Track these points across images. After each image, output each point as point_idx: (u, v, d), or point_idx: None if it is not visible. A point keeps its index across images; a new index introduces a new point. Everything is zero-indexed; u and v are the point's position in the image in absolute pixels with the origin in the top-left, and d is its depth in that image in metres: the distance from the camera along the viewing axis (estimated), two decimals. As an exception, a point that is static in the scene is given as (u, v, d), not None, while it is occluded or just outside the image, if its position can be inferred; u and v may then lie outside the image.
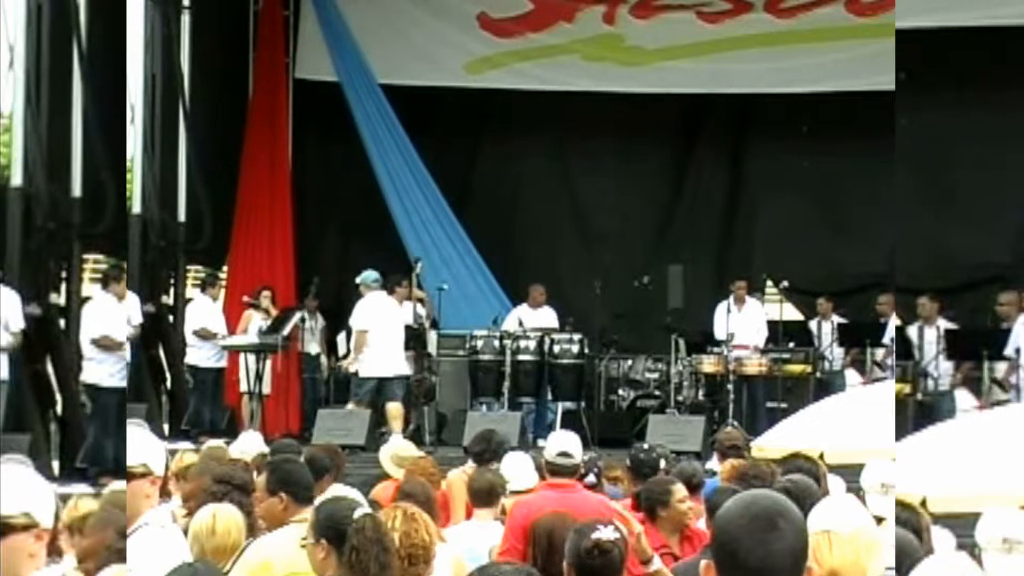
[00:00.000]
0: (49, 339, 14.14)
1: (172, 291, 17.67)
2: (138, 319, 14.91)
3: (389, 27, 19.44)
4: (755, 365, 16.08)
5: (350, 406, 15.47)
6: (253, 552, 5.73)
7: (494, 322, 17.14)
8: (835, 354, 17.02)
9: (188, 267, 18.16)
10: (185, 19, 18.18)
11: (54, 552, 4.82)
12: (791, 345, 16.67)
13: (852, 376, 16.58)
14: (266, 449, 9.62)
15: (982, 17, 17.31)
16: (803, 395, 15.44)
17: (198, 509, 6.33)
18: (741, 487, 7.05)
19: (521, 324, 16.81)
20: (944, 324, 15.67)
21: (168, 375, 16.98)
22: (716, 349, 16.27)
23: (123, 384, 13.86)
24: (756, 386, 16.27)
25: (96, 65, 14.71)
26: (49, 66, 14.47)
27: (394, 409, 15.18)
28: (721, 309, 16.51)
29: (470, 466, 9.23)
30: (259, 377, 16.30)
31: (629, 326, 18.37)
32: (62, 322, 14.44)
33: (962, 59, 17.53)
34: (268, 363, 16.45)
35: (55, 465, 13.50)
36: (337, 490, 7.00)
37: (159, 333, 16.83)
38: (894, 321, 16.27)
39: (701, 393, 16.65)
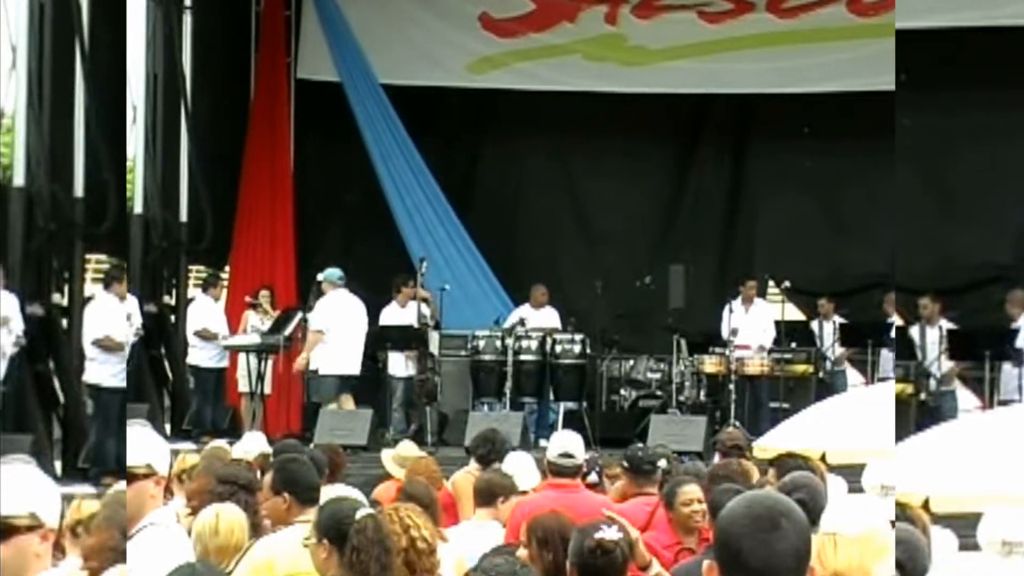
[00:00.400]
0: (51, 339, 14.15)
1: (174, 291, 17.68)
2: (138, 320, 14.92)
3: (391, 27, 19.44)
4: (757, 365, 16.07)
5: (333, 406, 15.47)
6: (257, 552, 5.73)
7: (496, 322, 17.14)
8: (836, 354, 17.01)
9: (190, 267, 18.17)
10: (187, 19, 18.20)
11: (57, 552, 4.82)
12: (793, 345, 16.66)
13: (853, 376, 16.58)
14: (269, 449, 9.62)
15: (982, 17, 17.32)
16: (805, 395, 15.43)
17: (202, 509, 6.34)
18: (712, 487, 7.07)
19: (523, 324, 16.80)
20: (946, 324, 15.67)
21: (170, 375, 16.98)
22: (718, 349, 16.26)
23: (124, 384, 13.85)
24: (758, 386, 16.27)
25: (98, 65, 14.72)
26: (51, 66, 14.48)
27: (348, 401, 15.31)
28: (731, 309, 16.45)
29: (474, 466, 9.23)
30: (260, 377, 16.31)
31: (631, 326, 18.36)
32: (64, 322, 14.45)
33: (962, 59, 17.54)
34: (269, 363, 16.46)
35: (57, 465, 13.50)
36: (338, 490, 7.00)
37: (161, 333, 16.83)
38: (894, 320, 16.27)
39: (703, 393, 16.63)
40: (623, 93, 19.04)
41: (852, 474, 7.64)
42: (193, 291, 17.86)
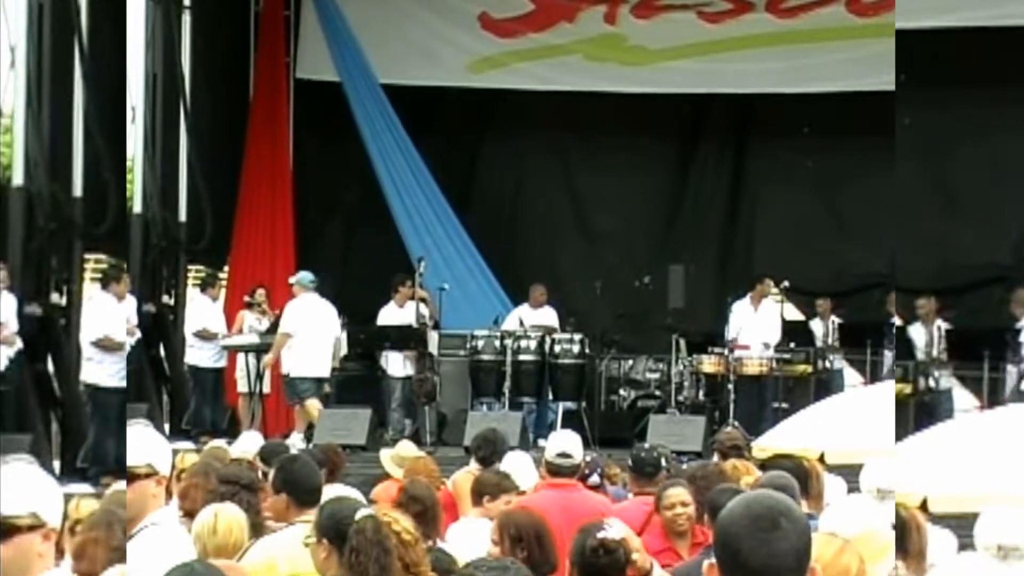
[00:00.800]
0: (50, 339, 14.15)
1: (173, 291, 17.67)
2: (134, 320, 14.93)
3: (390, 27, 19.45)
4: (756, 365, 16.06)
5: (313, 402, 15.48)
6: (257, 551, 5.73)
7: (495, 322, 17.13)
8: (832, 353, 17.02)
9: (189, 267, 18.16)
10: (186, 19, 18.19)
11: (57, 553, 4.82)
12: (792, 345, 16.65)
13: (851, 375, 16.58)
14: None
15: (982, 17, 17.32)
16: (804, 395, 15.42)
17: (192, 509, 6.33)
18: (691, 489, 7.07)
19: (522, 324, 16.80)
20: (943, 325, 15.67)
21: (169, 375, 16.98)
22: (717, 349, 16.25)
23: (123, 384, 13.85)
24: (757, 386, 16.25)
25: (97, 65, 14.71)
26: (50, 66, 14.47)
27: (312, 405, 15.26)
28: (739, 307, 16.43)
29: (475, 466, 9.23)
30: (259, 377, 16.31)
31: (630, 326, 18.36)
32: (63, 322, 14.44)
33: (962, 59, 17.53)
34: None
35: (56, 465, 13.49)
36: (336, 490, 7.00)
37: (160, 333, 16.83)
38: (894, 320, 16.27)
39: (702, 393, 16.63)
40: (623, 93, 19.05)
41: (851, 474, 7.64)
42: (192, 291, 17.85)
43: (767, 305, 16.73)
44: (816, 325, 17.41)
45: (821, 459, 7.71)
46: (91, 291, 14.83)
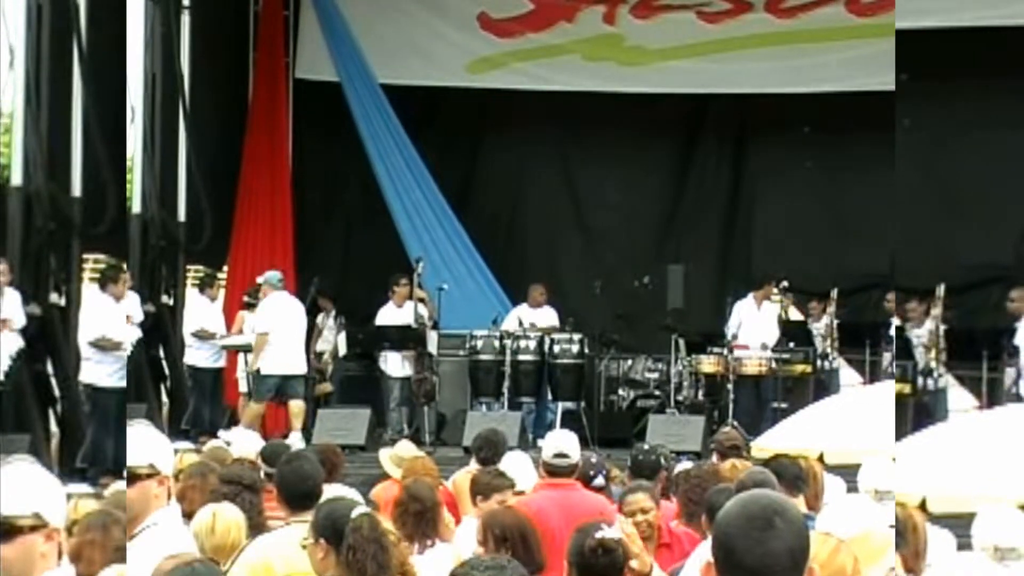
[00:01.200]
0: (49, 339, 14.15)
1: (172, 291, 17.67)
2: (139, 317, 14.93)
3: (389, 27, 19.45)
4: (755, 365, 16.06)
5: (253, 405, 15.49)
6: (253, 551, 5.73)
7: (494, 322, 17.13)
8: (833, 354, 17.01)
9: (188, 267, 18.16)
10: (185, 19, 18.18)
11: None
12: (791, 345, 16.65)
13: (847, 375, 16.57)
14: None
15: (982, 17, 17.32)
16: (803, 395, 15.43)
17: (190, 510, 6.33)
18: (680, 491, 7.05)
19: (521, 324, 16.80)
20: (931, 326, 15.66)
21: (168, 375, 16.98)
22: (717, 349, 16.24)
23: (122, 384, 13.84)
24: (756, 386, 16.25)
25: (96, 65, 14.71)
26: (49, 66, 14.47)
27: (296, 407, 15.33)
28: (741, 306, 16.41)
29: (475, 467, 9.22)
30: (259, 377, 16.29)
31: (629, 326, 18.35)
32: (62, 322, 14.43)
33: (962, 59, 17.53)
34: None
35: (55, 465, 13.49)
36: (335, 490, 6.99)
37: (159, 333, 16.83)
38: (893, 320, 16.27)
39: (701, 393, 16.63)
40: (622, 93, 19.05)
41: (850, 474, 7.64)
42: (191, 291, 17.85)
43: (768, 306, 16.74)
44: (815, 325, 17.39)
45: (820, 459, 7.72)
46: (90, 291, 14.83)
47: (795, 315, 17.50)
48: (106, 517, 5.27)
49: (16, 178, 13.99)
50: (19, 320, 13.18)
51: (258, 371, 15.44)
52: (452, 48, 19.49)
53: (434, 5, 19.60)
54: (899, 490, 5.82)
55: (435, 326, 16.84)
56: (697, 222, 19.80)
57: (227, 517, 6.08)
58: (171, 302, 17.49)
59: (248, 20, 19.50)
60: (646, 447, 8.45)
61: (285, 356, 15.36)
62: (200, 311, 16.87)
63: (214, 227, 18.02)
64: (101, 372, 13.82)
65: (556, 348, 16.49)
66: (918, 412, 14.57)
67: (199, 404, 16.45)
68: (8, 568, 3.58)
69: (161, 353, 16.93)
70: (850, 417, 8.50)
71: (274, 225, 19.01)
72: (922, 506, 5.69)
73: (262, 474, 7.77)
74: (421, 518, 6.94)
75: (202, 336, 16.58)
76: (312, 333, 17.94)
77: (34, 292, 14.00)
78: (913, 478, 5.81)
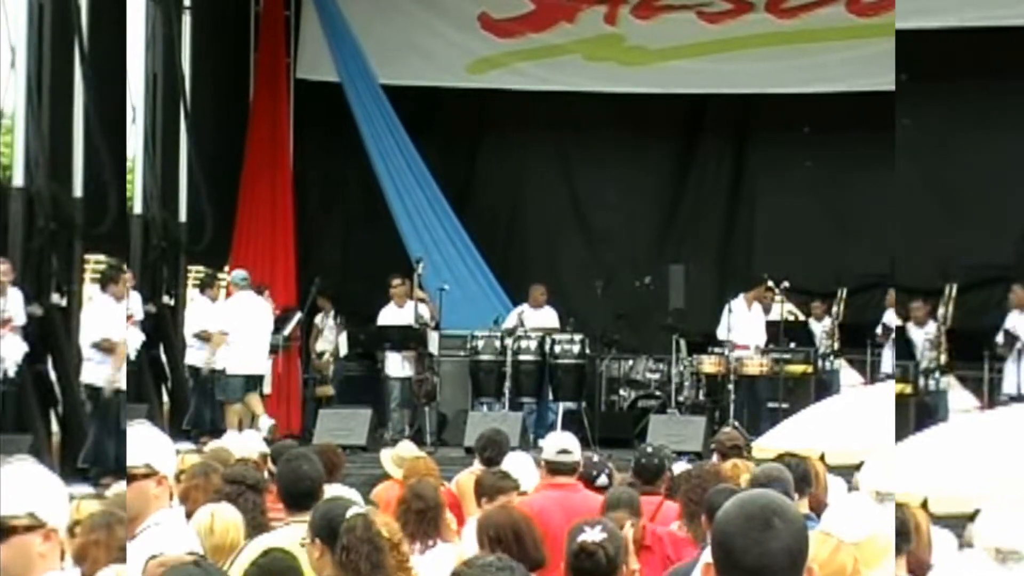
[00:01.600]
0: (50, 339, 14.15)
1: (173, 292, 17.67)
2: (139, 315, 14.93)
3: (390, 27, 19.44)
4: (756, 365, 16.08)
5: (229, 407, 15.50)
6: (252, 552, 5.73)
7: (495, 322, 17.14)
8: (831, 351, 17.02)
9: (189, 267, 18.16)
10: (186, 19, 18.18)
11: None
12: (792, 345, 16.66)
13: (848, 375, 16.57)
14: (267, 449, 9.62)
15: (982, 17, 17.32)
16: (804, 395, 15.43)
17: (193, 511, 6.33)
18: (682, 491, 7.04)
19: (522, 324, 16.80)
20: (932, 328, 15.67)
21: (169, 376, 16.98)
22: (717, 349, 16.26)
23: (123, 384, 13.85)
24: (757, 386, 16.27)
25: (97, 65, 14.71)
26: (51, 66, 14.47)
27: (252, 398, 15.35)
28: (732, 307, 16.41)
29: (478, 467, 9.22)
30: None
31: (630, 326, 18.36)
32: (63, 323, 14.44)
33: (962, 59, 17.53)
34: (269, 363, 16.46)
35: (56, 466, 13.49)
36: (335, 490, 7.00)
37: (160, 334, 16.83)
38: (894, 321, 16.26)
39: (702, 393, 16.65)
40: (622, 93, 19.05)
41: (851, 474, 7.64)
42: (192, 292, 17.85)
43: (759, 307, 16.77)
44: (815, 325, 17.40)
45: (821, 459, 7.72)
46: (91, 292, 14.83)
47: (795, 315, 17.50)
48: (110, 517, 5.27)
49: (17, 178, 14.00)
50: (20, 320, 13.19)
51: (223, 372, 15.44)
52: (452, 48, 19.49)
53: (434, 5, 19.60)
54: (900, 490, 5.82)
55: (436, 326, 16.84)
56: (697, 222, 19.81)
57: (226, 517, 6.08)
58: (172, 303, 17.49)
59: (249, 20, 19.50)
60: (649, 449, 8.38)
61: (249, 355, 15.39)
62: (201, 312, 16.87)
63: (215, 227, 18.01)
64: (102, 372, 13.82)
65: (557, 348, 16.50)
66: (919, 412, 14.58)
67: (200, 405, 16.45)
68: (5, 568, 3.56)
69: (162, 354, 16.92)
70: (851, 417, 8.50)
71: (275, 225, 19.01)
72: (923, 506, 5.70)
73: (265, 474, 7.76)
74: (423, 517, 6.94)
75: (203, 337, 16.57)
76: (311, 333, 17.96)
77: (35, 292, 14.00)
78: (914, 478, 5.81)
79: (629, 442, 15.17)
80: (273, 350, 16.37)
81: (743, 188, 19.84)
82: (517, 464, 8.67)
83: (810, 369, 16.40)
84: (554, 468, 7.67)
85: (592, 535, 5.02)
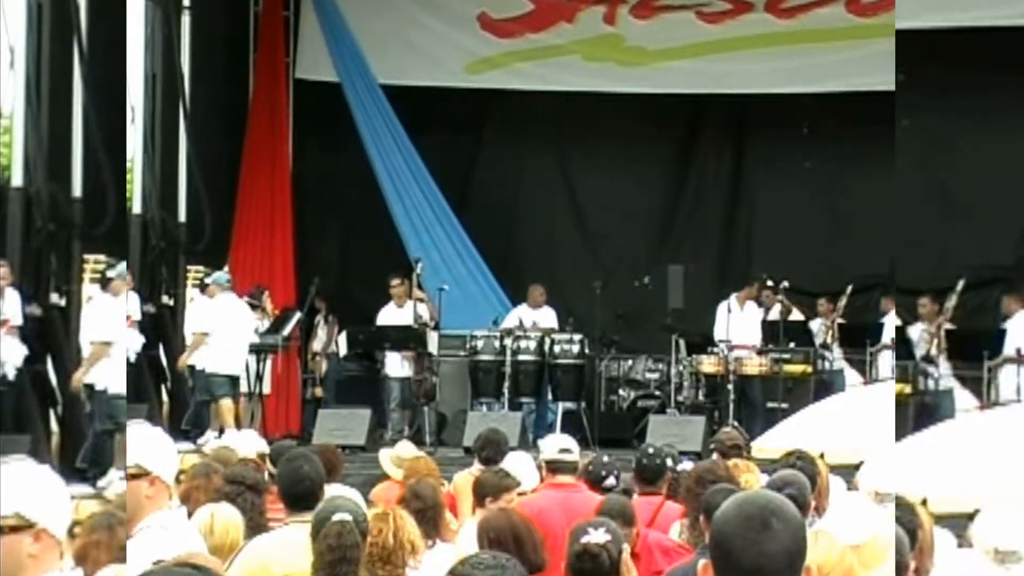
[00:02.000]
0: (50, 339, 14.14)
1: (173, 292, 17.66)
2: (137, 316, 14.91)
3: (389, 27, 19.45)
4: (755, 365, 16.08)
5: (221, 406, 15.47)
6: (250, 552, 5.73)
7: (494, 322, 17.14)
8: (835, 354, 17.00)
9: (188, 267, 18.15)
10: (185, 19, 18.16)
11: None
12: (791, 345, 16.65)
13: (851, 376, 16.57)
14: (266, 449, 9.62)
15: (982, 17, 17.32)
16: (804, 395, 15.42)
17: (195, 511, 6.33)
18: (683, 491, 7.03)
19: (521, 324, 16.80)
20: (946, 325, 15.66)
21: (168, 376, 16.97)
22: (716, 349, 16.26)
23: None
24: (757, 386, 16.27)
25: (96, 65, 14.70)
26: (49, 66, 14.46)
27: (225, 404, 15.31)
28: (725, 308, 16.43)
29: (477, 467, 9.22)
30: (259, 377, 16.31)
31: (629, 326, 18.36)
32: (62, 322, 14.43)
33: (962, 59, 17.53)
34: (268, 363, 16.45)
35: (55, 466, 13.47)
36: (335, 491, 6.99)
37: (159, 334, 16.82)
38: (893, 320, 16.26)
39: (701, 393, 16.65)
40: (622, 93, 19.04)
41: (850, 474, 7.64)
42: (191, 292, 17.85)
43: (751, 307, 16.78)
44: (816, 326, 17.39)
45: (821, 458, 7.71)
46: (90, 292, 14.82)
47: (795, 314, 17.50)
48: (111, 518, 5.26)
49: (16, 179, 13.98)
50: (17, 321, 13.17)
51: (203, 371, 15.41)
52: (452, 48, 19.49)
53: (434, 5, 19.60)
54: (900, 490, 5.82)
55: (436, 327, 16.84)
56: (697, 222, 19.80)
57: (225, 517, 6.07)
58: (171, 303, 17.48)
59: (248, 20, 19.50)
60: (651, 450, 8.33)
61: (229, 356, 15.38)
62: (200, 311, 16.85)
63: (214, 227, 18.01)
64: (103, 373, 13.80)
65: (556, 348, 16.50)
66: (919, 412, 14.57)
67: (200, 405, 16.44)
68: (-4, 569, 3.54)
69: (161, 354, 16.91)
70: (850, 417, 8.51)
71: (274, 225, 19.01)
72: (923, 506, 5.69)
73: (266, 474, 7.76)
74: (422, 517, 6.93)
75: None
76: (311, 333, 17.96)
77: (34, 293, 14.00)
78: (914, 478, 5.82)
79: (628, 442, 15.18)
80: (272, 350, 16.36)
81: (742, 188, 19.83)
82: (517, 463, 8.66)
83: (810, 369, 16.40)
84: (555, 467, 7.67)
85: (595, 536, 4.99)
